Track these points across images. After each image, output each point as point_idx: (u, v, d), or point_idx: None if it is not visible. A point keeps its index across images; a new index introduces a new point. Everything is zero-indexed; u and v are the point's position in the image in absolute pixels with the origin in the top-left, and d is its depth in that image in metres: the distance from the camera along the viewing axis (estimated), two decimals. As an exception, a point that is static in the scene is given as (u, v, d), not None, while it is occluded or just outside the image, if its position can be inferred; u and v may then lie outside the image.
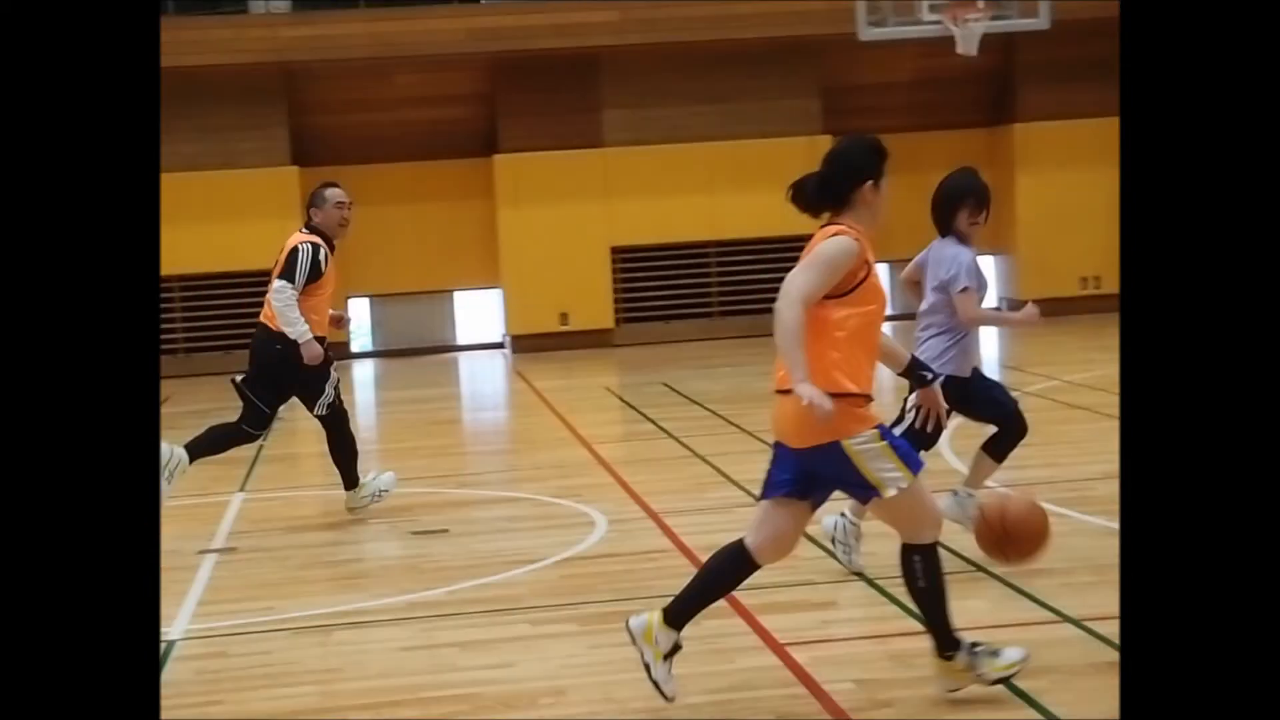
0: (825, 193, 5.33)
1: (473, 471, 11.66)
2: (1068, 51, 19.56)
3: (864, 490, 5.29)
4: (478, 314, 20.97)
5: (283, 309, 9.10)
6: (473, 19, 19.59)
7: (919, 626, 6.18)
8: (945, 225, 7.31)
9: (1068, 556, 7.32)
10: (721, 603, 6.91)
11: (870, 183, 5.32)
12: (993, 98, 20.60)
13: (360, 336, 20.46)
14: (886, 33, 18.28)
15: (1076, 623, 6.20)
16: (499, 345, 20.83)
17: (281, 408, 9.44)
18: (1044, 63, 19.79)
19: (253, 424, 9.30)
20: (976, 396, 7.35)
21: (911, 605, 5.62)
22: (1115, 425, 11.05)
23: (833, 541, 7.30)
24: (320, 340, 9.29)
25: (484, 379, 18.65)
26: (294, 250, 9.20)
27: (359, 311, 20.44)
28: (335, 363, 9.47)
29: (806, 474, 5.31)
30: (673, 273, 20.36)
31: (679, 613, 5.41)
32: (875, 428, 5.25)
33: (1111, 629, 6.02)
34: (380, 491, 9.47)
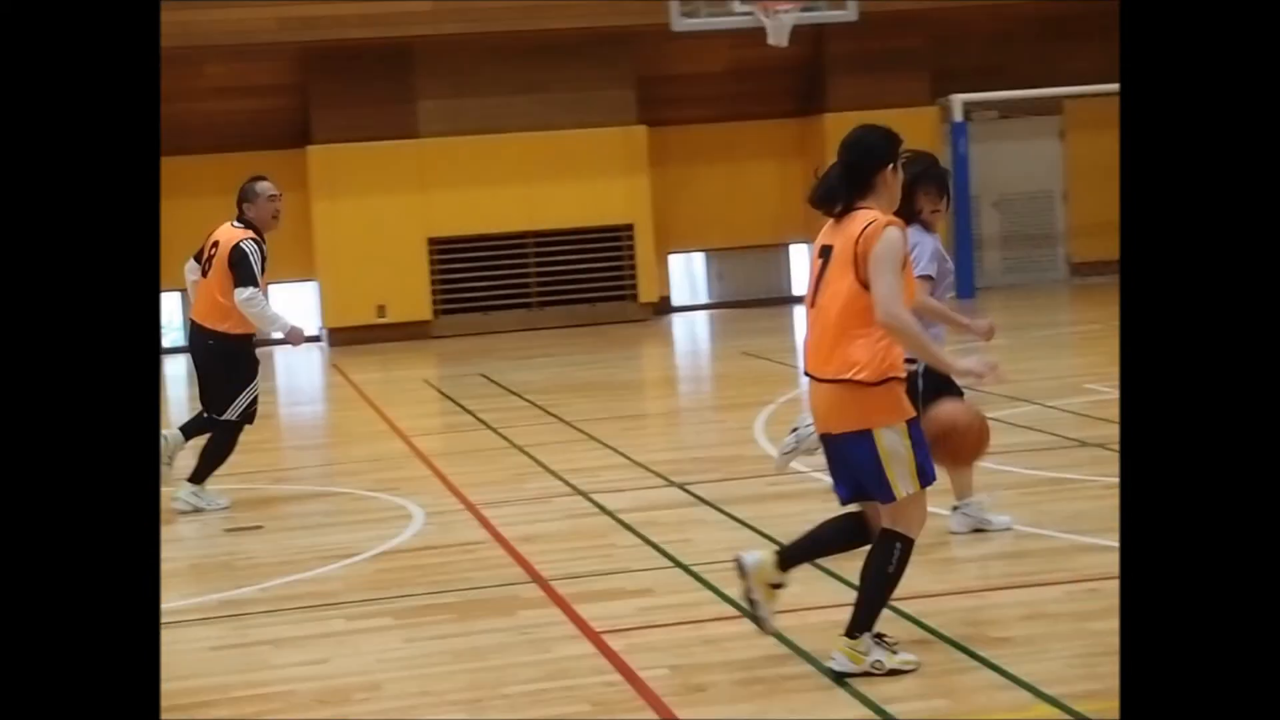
0: (852, 181, 5.47)
1: (288, 467, 11.52)
2: (876, 43, 19.91)
3: (879, 487, 5.39)
4: (293, 307, 20.70)
5: (257, 315, 9.18)
6: (283, 8, 19.31)
7: (733, 611, 6.28)
8: (906, 214, 6.93)
9: (877, 538, 7.47)
10: (537, 592, 6.95)
11: (890, 166, 5.51)
12: (804, 88, 20.88)
13: (171, 332, 20.06)
14: (699, 23, 18.46)
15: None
16: (315, 339, 20.59)
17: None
18: (853, 54, 20.12)
19: (235, 417, 9.30)
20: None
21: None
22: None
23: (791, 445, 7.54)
24: (249, 339, 9.36)
25: (300, 373, 18.42)
26: (240, 251, 9.20)
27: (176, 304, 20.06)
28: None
29: (850, 468, 5.46)
30: (491, 264, 20.30)
31: (860, 621, 5.49)
32: (907, 421, 5.39)
33: (917, 608, 6.16)
34: (207, 505, 9.35)
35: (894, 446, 5.34)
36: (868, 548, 5.54)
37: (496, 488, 9.51)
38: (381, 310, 19.98)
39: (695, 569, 7.09)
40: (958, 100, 20.05)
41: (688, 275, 21.39)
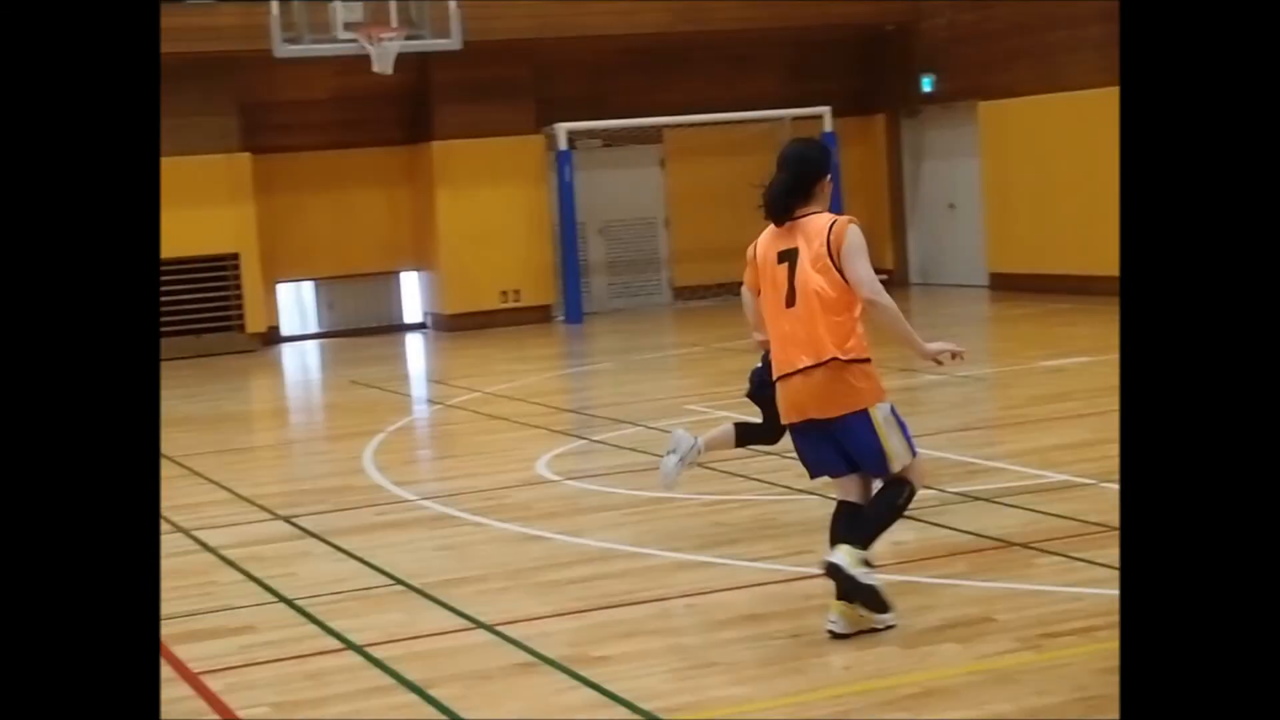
0: (798, 191, 6.03)
1: None
2: (481, 72, 20.08)
3: (877, 462, 5.88)
4: None
5: None
6: None
7: (338, 644, 6.24)
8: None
9: (481, 563, 7.54)
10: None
11: (828, 177, 6.08)
12: (410, 116, 20.88)
13: None
14: (302, 50, 18.25)
15: (489, 628, 6.39)
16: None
17: None
18: (459, 82, 20.23)
19: None
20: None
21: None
22: (533, 433, 11.51)
23: (670, 452, 7.72)
24: None
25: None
26: None
27: None
28: None
29: (840, 445, 5.92)
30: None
31: (859, 536, 5.92)
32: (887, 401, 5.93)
33: (522, 631, 6.25)
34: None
35: (888, 422, 5.88)
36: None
37: None
38: None
39: (299, 603, 7.00)
40: (562, 129, 20.39)
41: (297, 304, 21.08)
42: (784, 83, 22.02)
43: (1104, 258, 18.56)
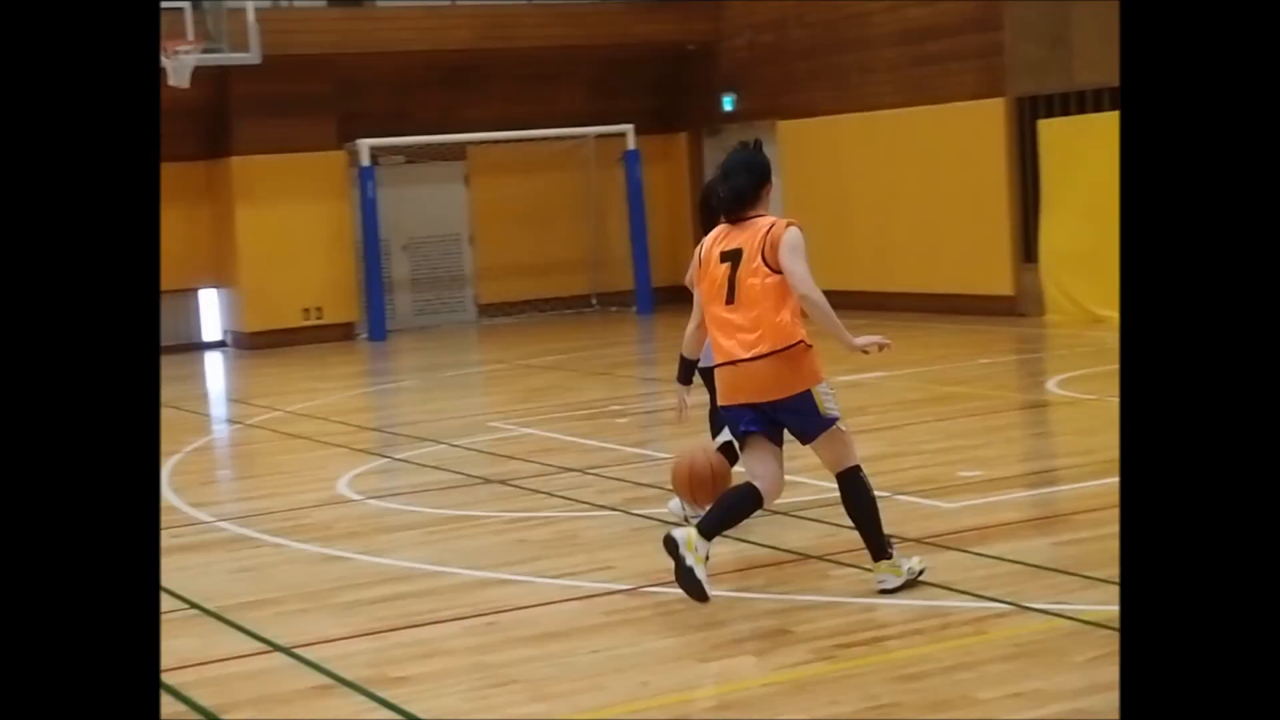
0: (741, 198, 6.47)
1: None
2: (282, 87, 19.82)
3: (818, 426, 6.36)
4: None
5: None
6: None
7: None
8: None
9: (280, 585, 7.43)
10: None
11: (769, 183, 6.54)
12: (209, 131, 20.53)
13: None
14: (95, 63, 17.83)
15: (287, 651, 6.30)
16: None
17: None
18: (259, 97, 19.94)
19: None
20: None
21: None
22: (334, 452, 11.38)
23: (686, 519, 7.46)
24: None
25: None
26: None
27: None
28: None
29: (771, 420, 6.39)
30: None
31: (710, 530, 6.27)
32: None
33: (320, 654, 6.18)
34: None
35: (826, 398, 6.38)
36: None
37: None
38: None
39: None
40: (364, 145, 20.23)
41: (91, 322, 20.56)
42: (587, 100, 22.13)
43: (899, 274, 18.99)
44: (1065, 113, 17.28)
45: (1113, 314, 16.64)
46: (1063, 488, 8.64)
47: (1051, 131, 17.31)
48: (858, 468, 6.47)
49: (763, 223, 6.43)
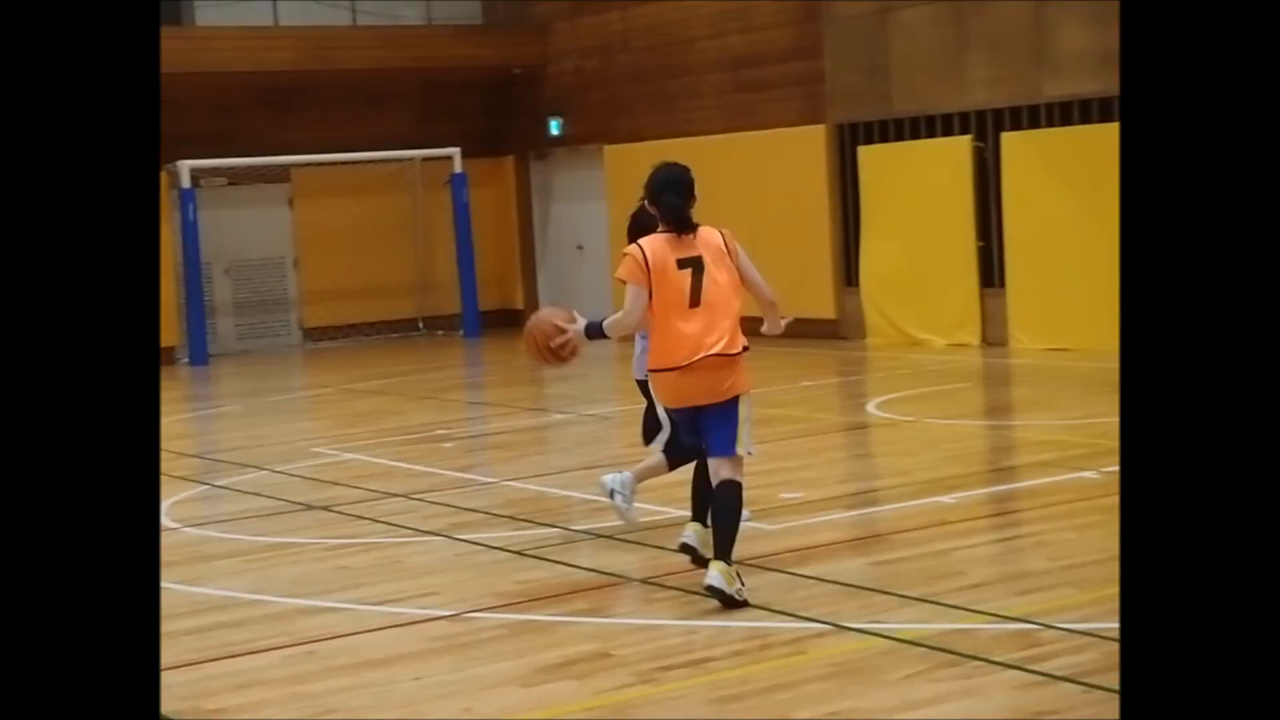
0: (690, 207, 6.91)
1: None
2: (99, 106, 19.44)
3: (730, 442, 6.70)
4: None
5: None
6: None
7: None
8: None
9: None
10: None
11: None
12: None
13: None
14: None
15: None
16: None
17: None
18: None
19: None
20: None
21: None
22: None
23: (611, 494, 7.75)
24: None
25: None
26: None
27: None
28: None
29: (699, 425, 6.82)
30: None
31: (729, 553, 6.59)
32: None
33: None
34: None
35: (748, 411, 6.77)
36: None
37: None
38: None
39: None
40: (185, 166, 19.89)
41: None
42: (414, 124, 22.04)
43: (725, 298, 19.18)
44: (884, 139, 17.63)
45: (931, 337, 17.01)
46: (881, 508, 8.80)
47: (871, 157, 17.65)
48: (741, 485, 6.76)
49: (711, 233, 6.90)
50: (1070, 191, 15.79)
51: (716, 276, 6.74)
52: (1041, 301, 16.12)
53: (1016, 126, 16.38)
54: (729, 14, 19.32)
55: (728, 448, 6.70)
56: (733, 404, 6.71)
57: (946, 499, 8.62)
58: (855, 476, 10.20)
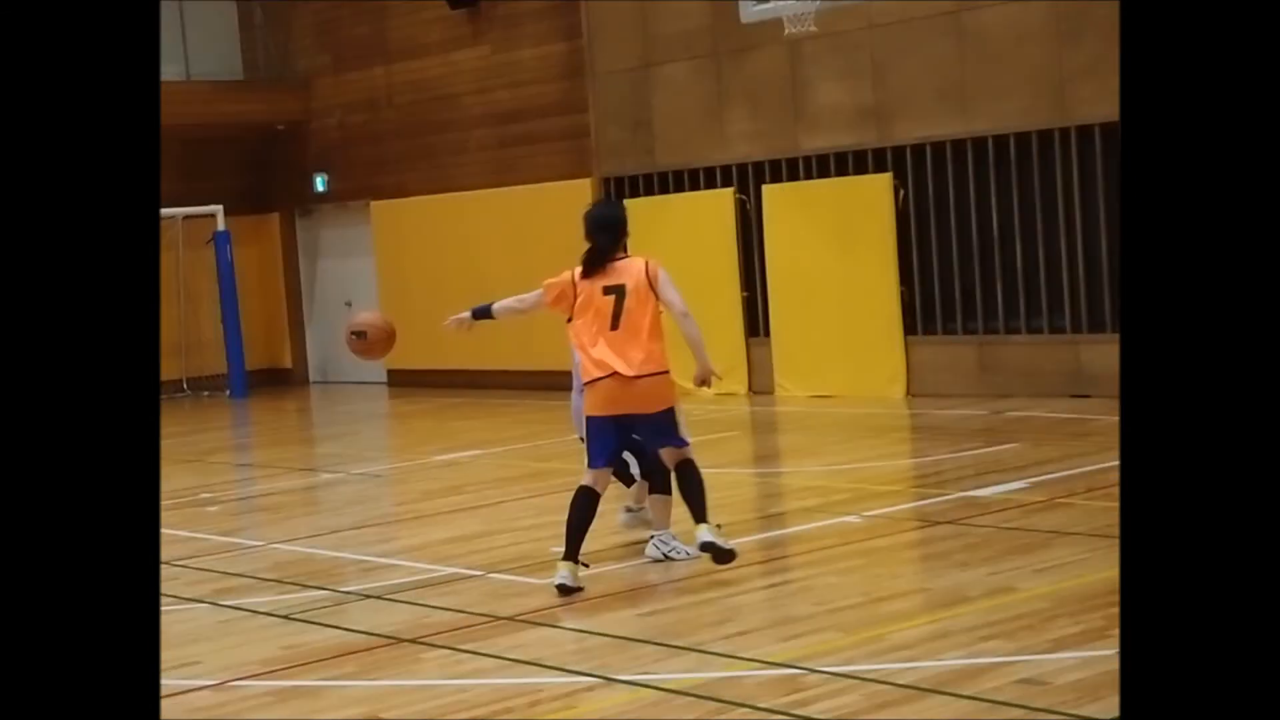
0: (605, 253, 7.89)
1: None
2: None
3: (677, 435, 7.91)
4: None
5: None
6: None
7: None
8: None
9: None
10: None
11: (627, 231, 8.05)
12: None
13: None
14: None
15: None
16: None
17: None
18: None
19: None
20: None
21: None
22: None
23: (667, 557, 8.42)
24: None
25: None
26: None
27: None
28: None
29: (624, 439, 8.03)
30: None
31: (705, 513, 7.87)
32: None
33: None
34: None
35: (680, 415, 8.01)
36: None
37: None
38: None
39: None
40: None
41: None
42: (175, 181, 21.61)
43: (494, 352, 19.19)
44: (649, 193, 17.87)
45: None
46: (650, 560, 8.87)
47: (637, 210, 17.72)
48: (691, 460, 7.92)
49: (634, 263, 7.88)
50: (828, 241, 16.20)
51: (639, 302, 7.77)
52: (805, 349, 16.48)
53: (776, 179, 16.75)
54: (493, 69, 19.42)
55: (674, 441, 7.91)
56: (666, 414, 7.85)
57: (714, 547, 8.73)
58: (624, 527, 10.27)
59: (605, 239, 7.93)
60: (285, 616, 7.83)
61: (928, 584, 7.82)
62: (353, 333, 8.67)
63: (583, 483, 7.90)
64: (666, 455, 7.96)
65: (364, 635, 7.34)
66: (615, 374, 7.71)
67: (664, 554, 8.39)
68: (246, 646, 7.28)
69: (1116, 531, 8.55)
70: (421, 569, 8.79)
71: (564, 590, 7.71)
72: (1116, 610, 6.58)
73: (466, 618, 7.49)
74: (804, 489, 10.77)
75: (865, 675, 5.96)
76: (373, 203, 20.94)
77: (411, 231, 20.39)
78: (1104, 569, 7.46)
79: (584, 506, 7.88)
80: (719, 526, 7.95)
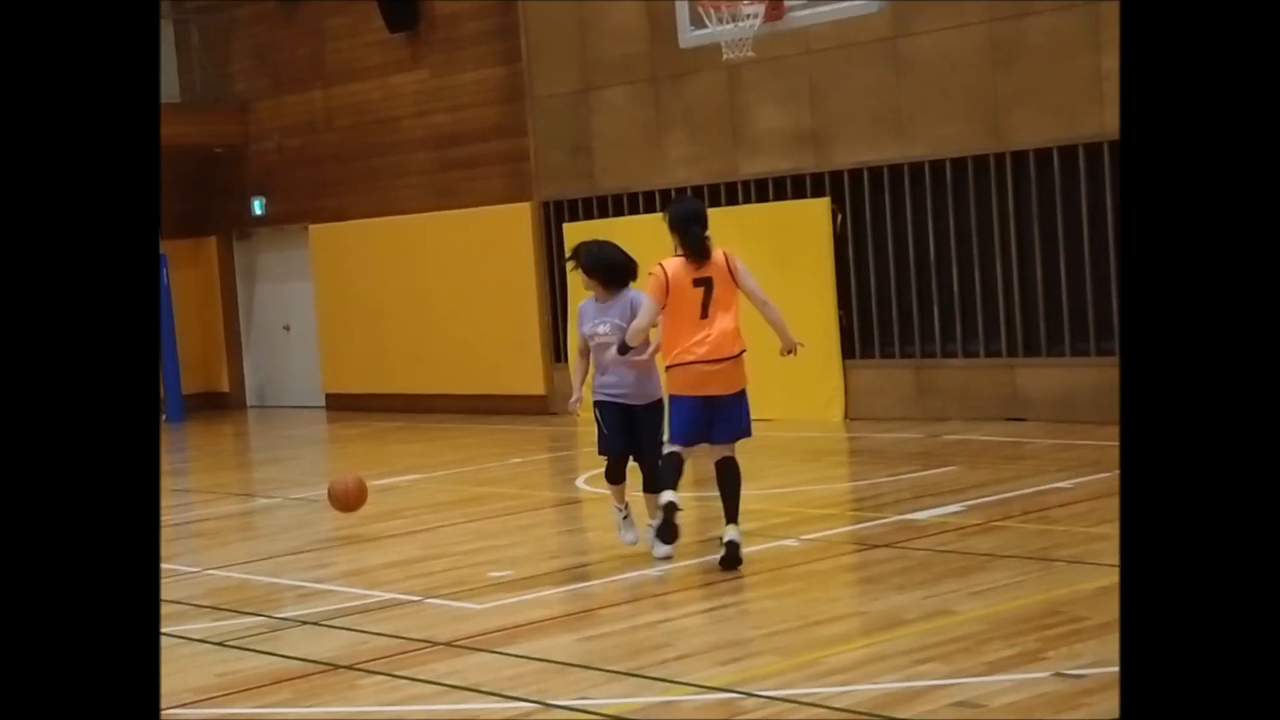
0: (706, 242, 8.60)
1: None
2: None
3: (745, 429, 8.71)
4: None
5: None
6: None
7: None
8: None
9: None
10: None
11: None
12: None
13: None
14: None
15: None
16: None
17: None
18: None
19: None
20: None
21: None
22: None
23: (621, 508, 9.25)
24: None
25: None
26: None
27: None
28: None
29: (714, 416, 8.59)
30: None
31: (737, 514, 8.74)
32: None
33: None
34: None
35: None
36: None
37: None
38: None
39: None
40: None
41: None
42: (110, 203, 21.48)
43: (434, 377, 19.15)
44: (589, 216, 17.89)
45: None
46: (589, 583, 8.86)
47: (576, 234, 17.81)
48: (734, 459, 8.64)
49: (717, 254, 8.55)
50: (766, 265, 16.19)
51: (722, 292, 8.49)
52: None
53: (715, 203, 16.80)
54: (433, 93, 19.40)
55: (744, 432, 8.65)
56: (742, 395, 8.59)
57: (653, 572, 8.74)
58: (565, 552, 10.25)
59: (700, 229, 8.56)
60: (220, 643, 7.77)
61: (865, 607, 7.85)
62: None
63: (671, 449, 8.65)
64: (717, 449, 8.61)
65: (300, 662, 7.30)
66: (705, 359, 8.45)
67: (618, 520, 9.30)
68: (181, 674, 7.21)
69: (1051, 554, 8.65)
70: (358, 594, 8.74)
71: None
72: (1051, 633, 6.65)
73: (403, 643, 7.45)
74: (742, 512, 10.77)
75: (803, 699, 5.98)
76: (311, 226, 20.87)
77: (350, 255, 20.32)
78: (1039, 591, 7.52)
79: (679, 462, 8.62)
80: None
